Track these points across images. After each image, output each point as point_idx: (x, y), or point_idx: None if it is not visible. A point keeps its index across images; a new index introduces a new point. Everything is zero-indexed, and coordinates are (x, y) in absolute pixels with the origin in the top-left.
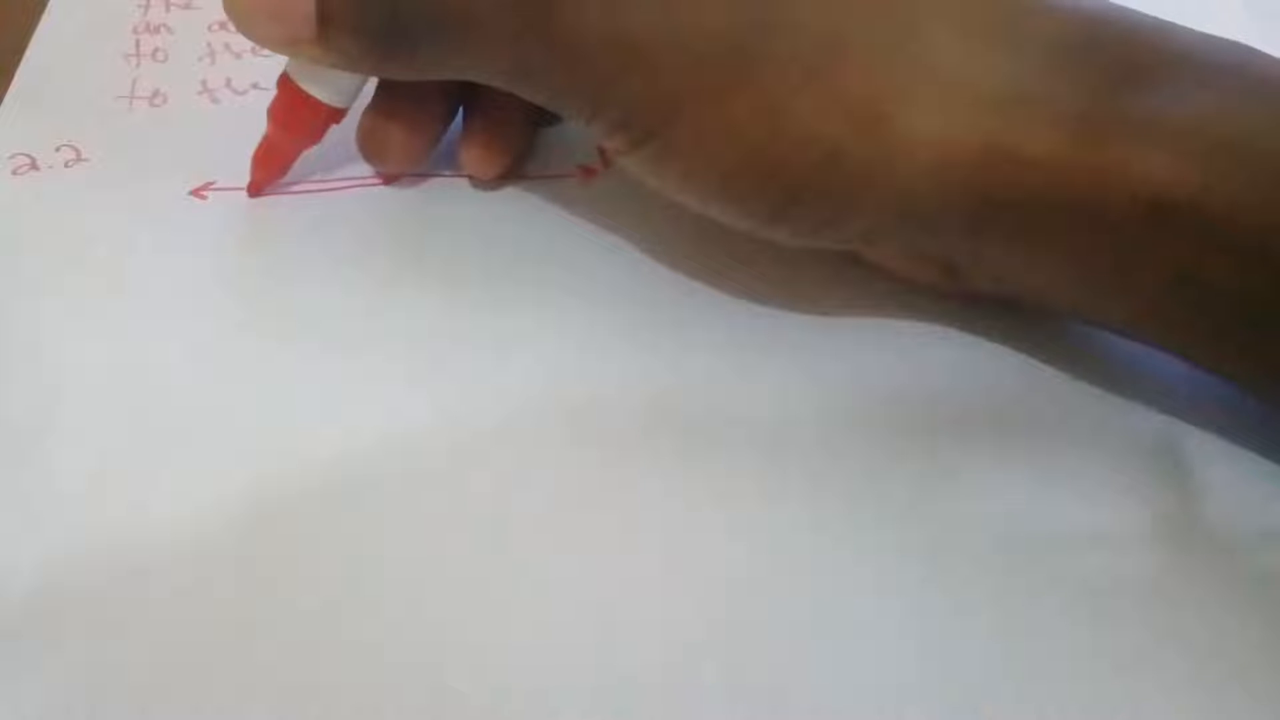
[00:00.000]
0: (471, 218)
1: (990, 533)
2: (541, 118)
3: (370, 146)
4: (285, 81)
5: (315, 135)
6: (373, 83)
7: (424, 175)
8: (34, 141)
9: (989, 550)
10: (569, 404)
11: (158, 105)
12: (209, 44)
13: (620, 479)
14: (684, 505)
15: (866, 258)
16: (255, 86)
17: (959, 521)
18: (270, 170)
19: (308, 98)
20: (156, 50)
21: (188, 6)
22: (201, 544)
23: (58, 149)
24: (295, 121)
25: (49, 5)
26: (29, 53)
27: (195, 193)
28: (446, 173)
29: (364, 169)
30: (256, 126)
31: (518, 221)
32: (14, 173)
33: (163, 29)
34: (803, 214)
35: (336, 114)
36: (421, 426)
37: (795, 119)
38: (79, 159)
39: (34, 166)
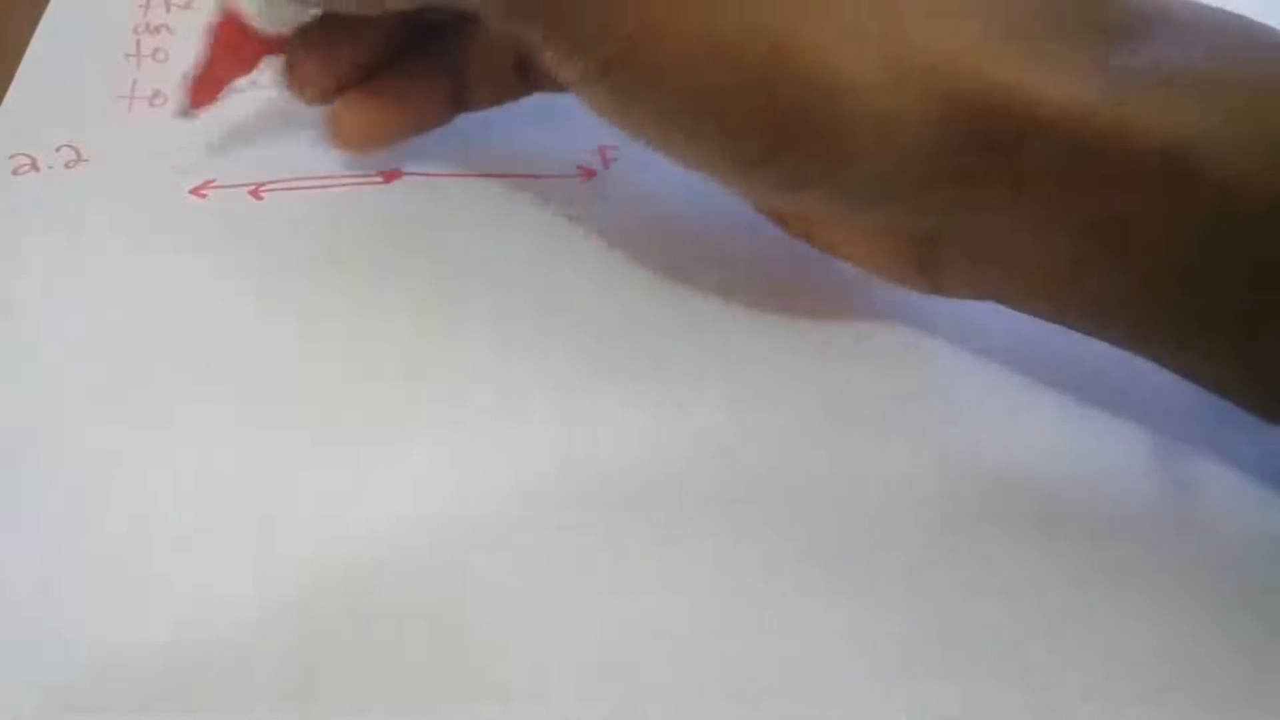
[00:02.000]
0: (471, 217)
1: (990, 533)
2: (479, 97)
3: (289, 75)
4: (228, 10)
5: (250, 66)
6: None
7: (424, 174)
8: (34, 141)
9: (989, 550)
10: (566, 404)
11: (158, 105)
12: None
13: (618, 479)
14: (681, 506)
15: (834, 243)
16: (255, 85)
17: (958, 523)
18: (202, 93)
19: (245, 25)
20: (156, 50)
21: (188, 6)
22: (202, 544)
23: (58, 149)
24: (234, 50)
25: (49, 5)
26: (29, 53)
27: (195, 192)
28: (446, 171)
29: (364, 167)
30: (257, 126)
31: (517, 221)
32: (14, 173)
33: (163, 29)
34: (794, 157)
35: (273, 44)
36: (419, 427)
37: (797, 40)
38: (79, 159)
39: (34, 166)
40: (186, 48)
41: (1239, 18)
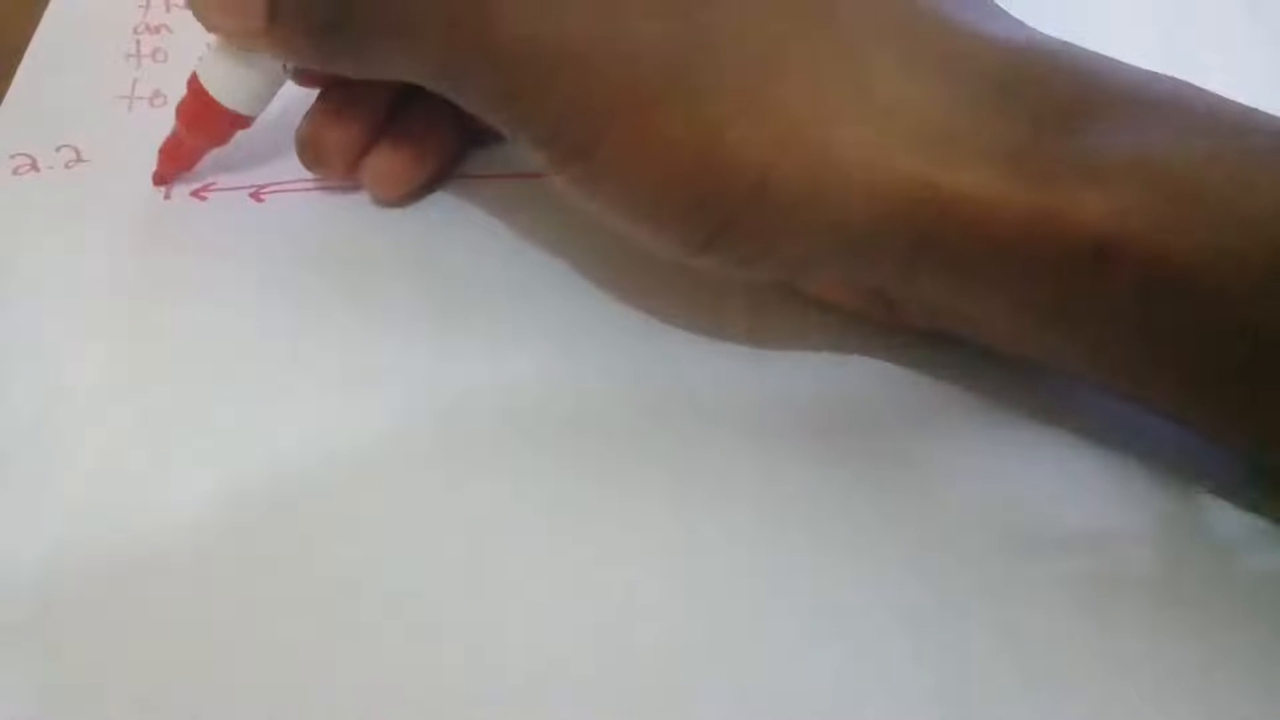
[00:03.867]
0: (467, 218)
1: (989, 534)
2: (464, 142)
3: (308, 154)
4: (194, 84)
5: (220, 139)
6: (282, 92)
7: None
8: (34, 141)
9: (988, 552)
10: (564, 404)
11: (158, 105)
12: (209, 45)
13: (617, 480)
14: (681, 507)
15: (802, 288)
16: None
17: (958, 523)
18: (175, 165)
19: (215, 103)
20: (156, 50)
21: (188, 7)
22: (202, 544)
23: (58, 149)
24: (202, 124)
25: (49, 5)
26: (29, 53)
27: (195, 193)
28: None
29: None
30: (257, 126)
31: (516, 220)
32: (14, 173)
33: (163, 29)
34: (732, 244)
35: (242, 120)
36: (417, 427)
37: (728, 140)
38: (79, 159)
39: (34, 166)
40: (187, 48)
41: (1213, 96)
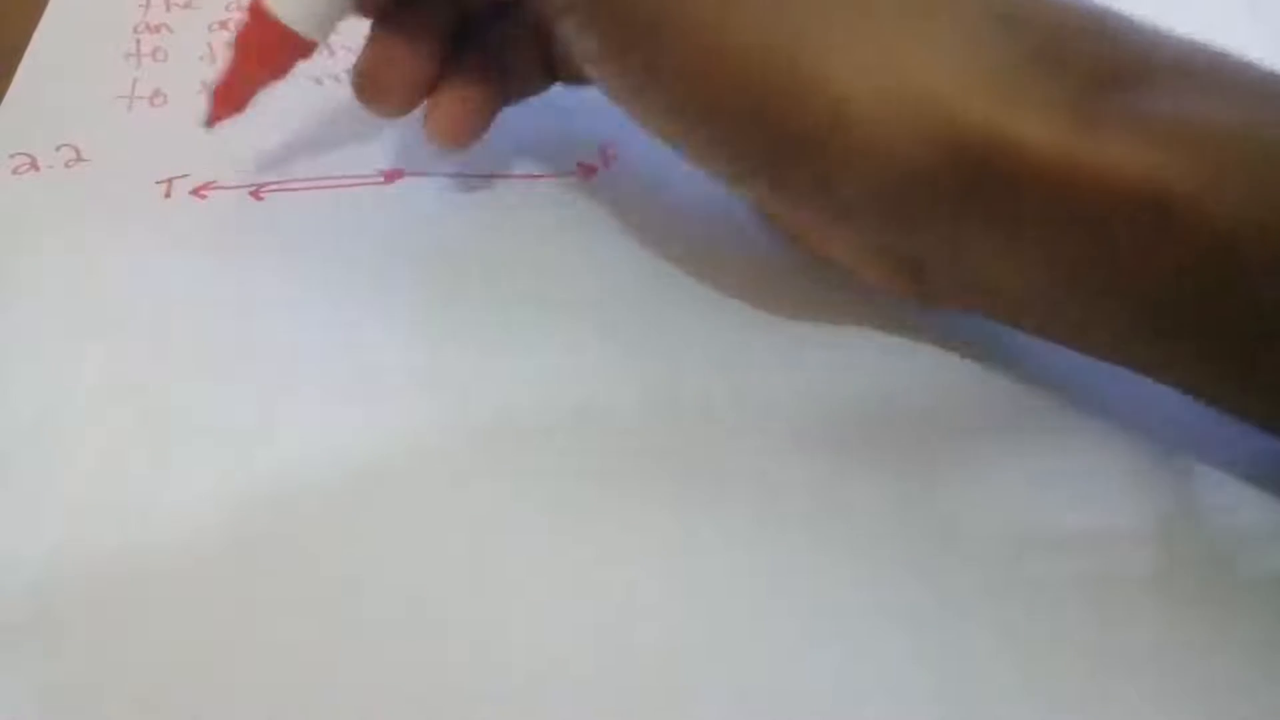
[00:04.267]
0: (472, 216)
1: (990, 534)
2: (511, 89)
3: (370, 88)
4: (256, 7)
5: (281, 69)
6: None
7: (424, 174)
8: (34, 141)
9: (988, 551)
10: (569, 405)
11: (158, 105)
12: (209, 44)
13: (618, 481)
14: (682, 508)
15: (825, 250)
16: None
17: (958, 523)
18: (230, 104)
19: (280, 26)
20: (156, 50)
21: (188, 6)
22: (202, 544)
23: (58, 149)
24: (263, 51)
25: (49, 5)
26: (29, 53)
27: (196, 193)
28: (446, 172)
29: (365, 167)
30: (258, 126)
31: (518, 220)
32: (14, 173)
33: (163, 29)
34: (791, 169)
35: (305, 46)
36: (421, 427)
37: (811, 57)
38: (79, 159)
39: (34, 166)
40: (187, 48)
41: (1256, 69)
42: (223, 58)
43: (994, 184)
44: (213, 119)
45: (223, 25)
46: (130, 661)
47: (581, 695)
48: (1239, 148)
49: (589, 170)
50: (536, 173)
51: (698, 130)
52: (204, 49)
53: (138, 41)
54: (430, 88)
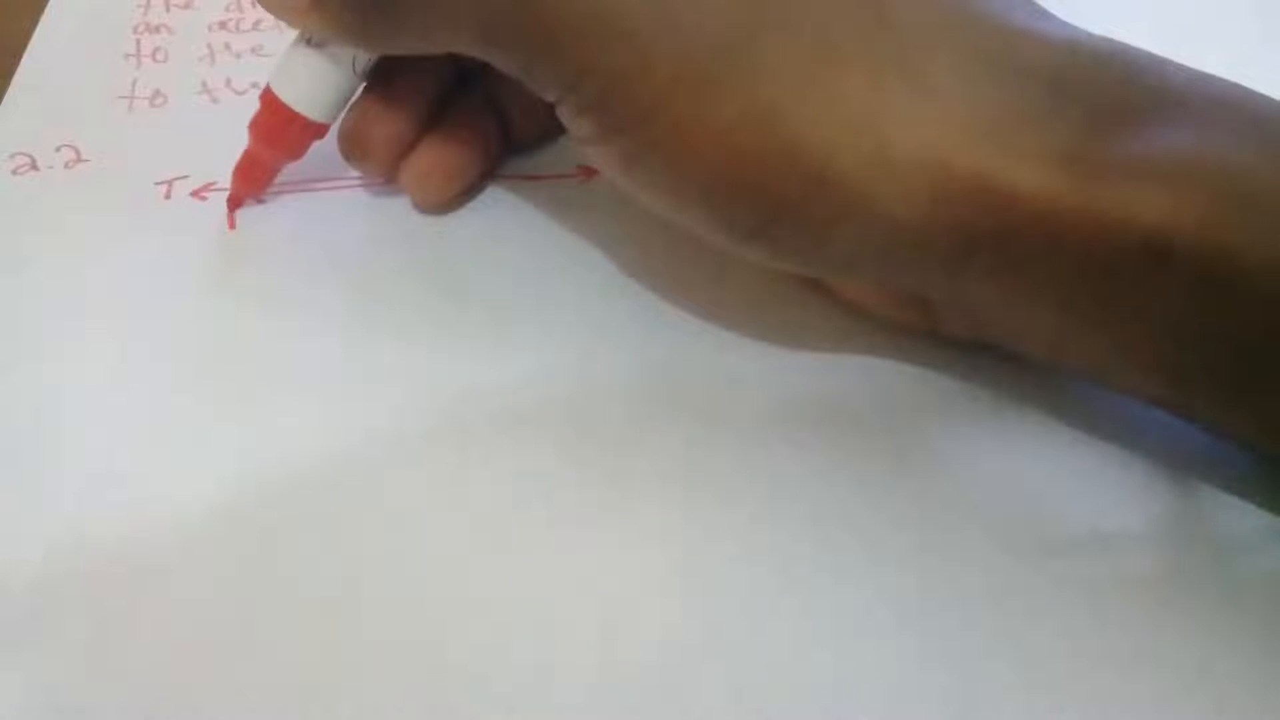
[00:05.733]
0: (471, 217)
1: (989, 534)
2: (504, 145)
3: (352, 148)
4: (269, 96)
5: (297, 151)
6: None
7: None
8: (34, 141)
9: (988, 552)
10: (568, 404)
11: (158, 105)
12: (209, 44)
13: (620, 481)
14: (683, 508)
15: (838, 292)
16: (255, 86)
17: (958, 523)
18: (251, 184)
19: (291, 112)
20: (156, 50)
21: (188, 6)
22: (202, 544)
23: (58, 149)
24: (278, 137)
25: (49, 5)
26: (29, 53)
27: (195, 193)
28: None
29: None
30: None
31: (518, 221)
32: (14, 173)
33: (163, 29)
34: (784, 233)
35: (319, 129)
36: (422, 427)
37: (789, 125)
38: (79, 159)
39: (34, 166)
40: (187, 48)
41: (1269, 101)
42: (222, 58)
43: (990, 237)
44: (233, 204)
45: (222, 25)
46: (131, 660)
47: (581, 695)
48: (1247, 183)
49: (588, 172)
50: (536, 173)
51: (693, 206)
52: (204, 49)
53: (138, 42)
54: (406, 151)
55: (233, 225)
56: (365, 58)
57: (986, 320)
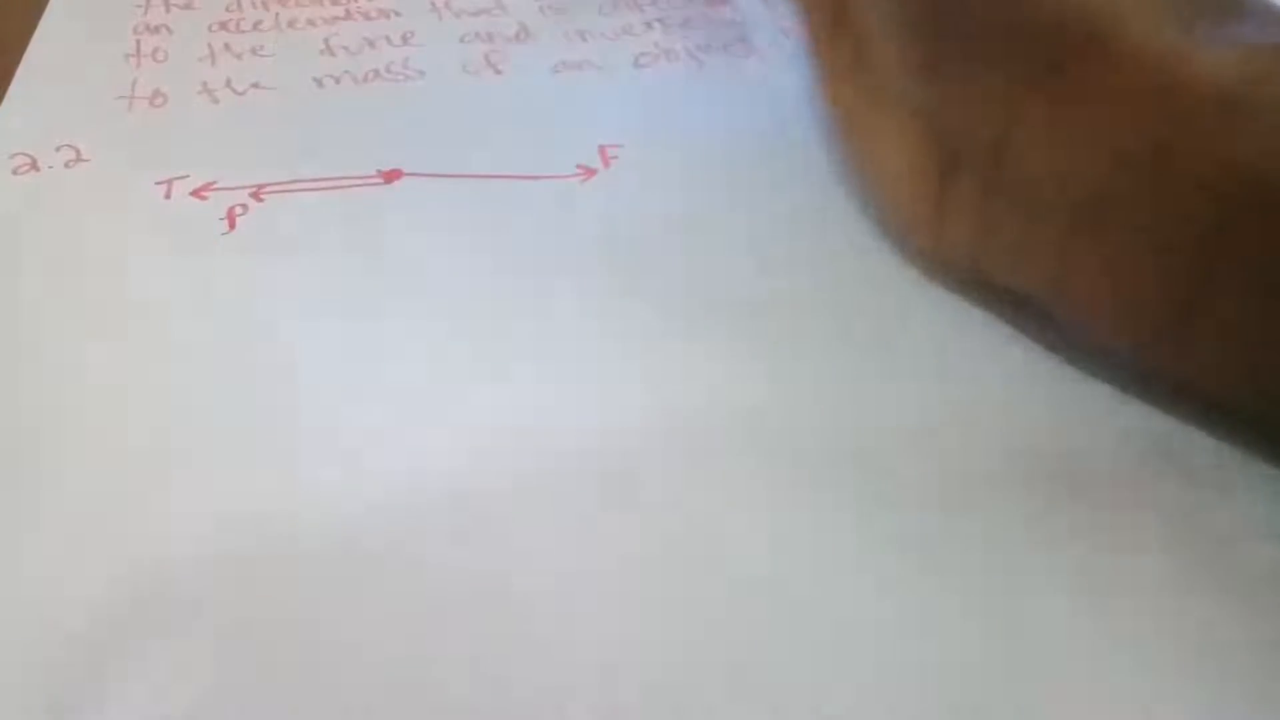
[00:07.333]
0: (472, 216)
1: (989, 530)
2: None
3: None
4: None
5: None
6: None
7: (424, 174)
8: (34, 141)
9: (988, 547)
10: (569, 404)
11: (158, 105)
12: (209, 44)
13: (622, 481)
14: (686, 506)
15: (870, 153)
16: (255, 86)
17: (960, 522)
18: None
19: None
20: (156, 50)
21: (188, 6)
22: (202, 545)
23: (58, 149)
24: None
25: (49, 5)
26: (29, 53)
27: (195, 193)
28: (446, 172)
29: (365, 167)
30: (257, 127)
31: (518, 220)
32: (14, 173)
33: (163, 29)
34: None
35: None
36: (420, 427)
37: None
38: (79, 159)
39: (34, 166)
40: (187, 48)
41: None
42: (222, 58)
43: (1077, 53)
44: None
45: (223, 25)
46: (130, 661)
47: (581, 695)
48: None
49: (589, 172)
50: (536, 173)
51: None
52: (204, 49)
53: (138, 42)
54: None
55: (233, 225)
56: None
57: (1011, 188)
